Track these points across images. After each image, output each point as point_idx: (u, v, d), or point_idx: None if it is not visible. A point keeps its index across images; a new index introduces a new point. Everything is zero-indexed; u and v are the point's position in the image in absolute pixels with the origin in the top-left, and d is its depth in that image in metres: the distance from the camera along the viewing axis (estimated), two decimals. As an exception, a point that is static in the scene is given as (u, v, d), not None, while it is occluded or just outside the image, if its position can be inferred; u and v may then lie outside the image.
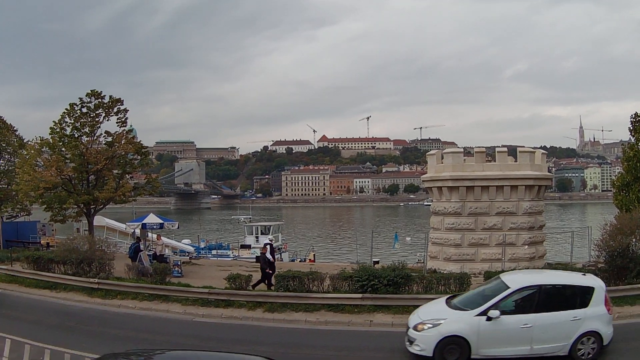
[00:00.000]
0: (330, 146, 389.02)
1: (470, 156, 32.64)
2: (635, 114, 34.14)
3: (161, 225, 35.13)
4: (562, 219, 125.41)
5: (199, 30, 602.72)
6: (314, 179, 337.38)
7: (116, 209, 54.11)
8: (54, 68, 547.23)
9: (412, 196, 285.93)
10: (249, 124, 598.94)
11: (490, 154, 33.78)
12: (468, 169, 29.06)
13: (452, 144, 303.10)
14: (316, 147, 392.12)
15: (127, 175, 40.84)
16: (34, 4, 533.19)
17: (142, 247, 32.00)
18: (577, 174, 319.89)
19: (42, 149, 38.95)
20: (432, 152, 32.16)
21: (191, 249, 52.69)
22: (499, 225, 27.98)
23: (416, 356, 14.95)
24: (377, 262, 33.32)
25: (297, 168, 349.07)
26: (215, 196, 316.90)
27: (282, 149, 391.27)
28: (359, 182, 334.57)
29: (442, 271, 25.63)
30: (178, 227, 40.35)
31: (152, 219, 34.87)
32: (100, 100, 38.11)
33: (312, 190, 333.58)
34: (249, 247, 52.56)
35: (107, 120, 38.91)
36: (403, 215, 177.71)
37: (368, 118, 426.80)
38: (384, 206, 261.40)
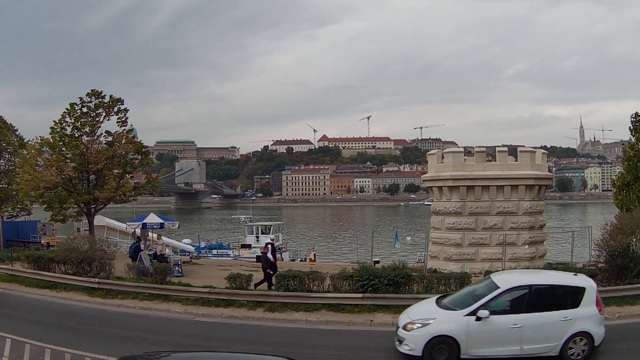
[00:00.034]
0: (330, 146, 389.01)
1: (471, 156, 32.63)
2: (635, 114, 34.13)
3: (161, 225, 35.12)
4: (563, 218, 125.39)
5: (199, 30, 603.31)
6: (314, 178, 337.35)
7: (116, 208, 54.13)
8: (54, 68, 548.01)
9: (412, 196, 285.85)
10: (249, 123, 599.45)
11: (490, 153, 33.81)
12: (468, 169, 29.04)
13: (453, 143, 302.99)
14: (316, 147, 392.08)
15: (127, 174, 40.82)
16: (34, 3, 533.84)
17: (142, 246, 32.02)
18: (577, 174, 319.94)
19: (43, 149, 38.95)
20: (432, 151, 32.14)
21: (191, 248, 52.68)
22: (499, 225, 27.97)
23: (406, 356, 14.95)
24: (378, 262, 33.33)
25: (297, 168, 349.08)
26: (216, 196, 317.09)
27: (282, 149, 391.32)
28: (360, 181, 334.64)
29: (442, 271, 25.63)
30: (178, 227, 40.34)
31: (152, 218, 34.85)
32: (100, 99, 38.11)
33: (313, 190, 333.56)
34: (249, 246, 52.50)
35: (108, 119, 38.95)
36: (403, 214, 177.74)
37: (368, 118, 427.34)
38: (385, 206, 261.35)
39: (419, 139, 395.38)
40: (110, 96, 38.64)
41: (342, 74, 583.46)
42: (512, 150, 31.51)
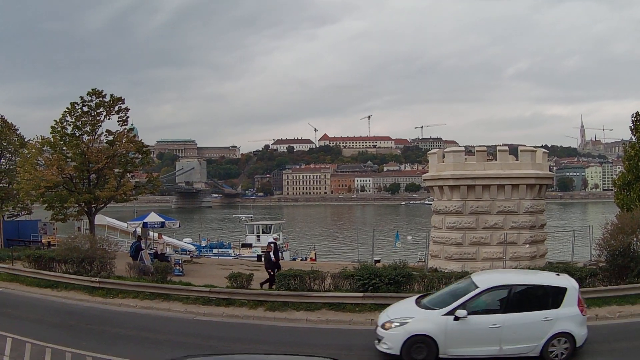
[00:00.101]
0: (331, 145, 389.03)
1: (472, 155, 32.61)
2: (636, 113, 34.11)
3: (162, 224, 35.11)
4: (564, 218, 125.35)
5: (200, 30, 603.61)
6: (315, 177, 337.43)
7: (117, 207, 54.04)
8: (55, 67, 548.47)
9: (414, 195, 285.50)
10: (250, 123, 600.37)
11: (491, 152, 33.74)
12: (469, 168, 29.01)
13: (454, 142, 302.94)
14: (317, 146, 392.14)
15: (128, 174, 40.80)
16: (35, 3, 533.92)
17: (143, 245, 32.00)
18: (578, 173, 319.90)
19: (43, 148, 38.91)
20: (433, 151, 32.09)
21: (192, 247, 52.70)
22: (500, 224, 27.93)
23: (385, 354, 14.96)
24: (379, 261, 33.31)
25: (298, 167, 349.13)
26: (217, 195, 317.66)
27: (283, 148, 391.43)
28: (360, 181, 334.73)
29: (443, 270, 25.65)
30: (179, 226, 40.31)
31: (153, 217, 34.86)
32: (101, 99, 38.09)
33: (313, 189, 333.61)
34: (250, 245, 52.61)
35: (108, 119, 38.93)
36: (404, 214, 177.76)
37: (369, 117, 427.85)
38: (385, 205, 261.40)
39: (420, 138, 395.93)
40: (111, 95, 38.65)
41: (342, 74, 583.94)
42: (513, 150, 31.51)
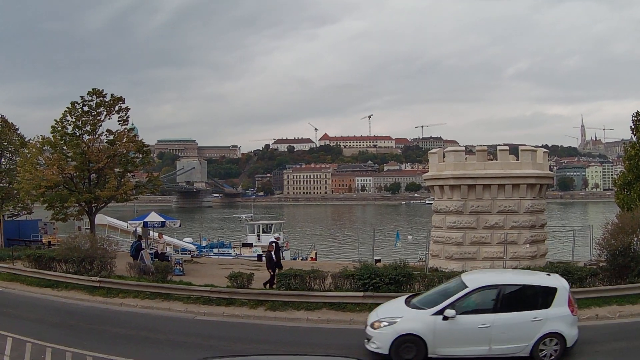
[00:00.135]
0: (331, 145, 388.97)
1: (472, 155, 32.64)
2: (636, 113, 34.13)
3: (163, 224, 35.13)
4: (564, 217, 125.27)
5: (200, 30, 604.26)
6: (315, 177, 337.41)
7: (118, 207, 54.02)
8: (55, 67, 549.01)
9: (416, 195, 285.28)
10: (250, 122, 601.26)
11: (491, 152, 33.78)
12: (470, 168, 29.01)
13: (454, 142, 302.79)
14: (318, 146, 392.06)
15: (128, 173, 40.75)
16: (35, 3, 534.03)
17: (143, 245, 31.99)
18: (578, 173, 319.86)
19: (44, 148, 38.90)
20: (433, 150, 32.10)
21: (193, 247, 52.59)
22: (500, 224, 27.94)
23: (375, 354, 14.97)
24: (379, 261, 33.26)
25: (298, 166, 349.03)
26: (217, 195, 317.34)
27: (283, 148, 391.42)
28: (361, 180, 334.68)
29: (443, 270, 25.63)
30: (180, 226, 40.33)
31: (153, 217, 34.87)
32: (101, 98, 38.06)
33: (314, 188, 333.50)
34: (250, 245, 52.57)
35: (109, 118, 38.90)
36: (405, 213, 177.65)
37: (369, 116, 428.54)
38: (386, 205, 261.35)
39: (420, 137, 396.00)
40: (111, 95, 38.64)
41: (342, 73, 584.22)
42: (514, 149, 31.49)
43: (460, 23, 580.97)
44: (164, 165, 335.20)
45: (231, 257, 46.92)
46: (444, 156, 30.36)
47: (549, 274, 16.51)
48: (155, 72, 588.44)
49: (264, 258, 38.32)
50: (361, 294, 20.93)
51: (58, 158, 36.36)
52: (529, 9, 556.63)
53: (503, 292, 14.86)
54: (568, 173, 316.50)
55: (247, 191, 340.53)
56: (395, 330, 14.66)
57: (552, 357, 14.34)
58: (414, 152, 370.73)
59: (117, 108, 38.75)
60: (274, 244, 27.11)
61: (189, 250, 49.46)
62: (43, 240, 46.04)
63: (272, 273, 25.16)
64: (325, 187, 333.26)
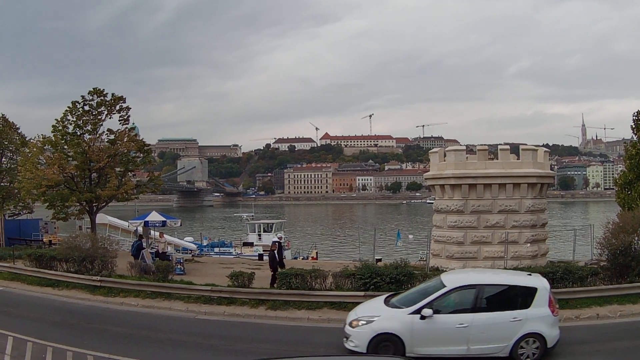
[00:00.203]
0: (332, 144, 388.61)
1: (473, 154, 32.58)
2: (637, 112, 34.10)
3: (164, 223, 35.15)
4: (565, 217, 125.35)
5: (200, 29, 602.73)
6: (316, 176, 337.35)
7: (118, 206, 54.01)
8: (56, 66, 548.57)
9: (417, 194, 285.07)
10: (251, 121, 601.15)
11: (492, 151, 33.69)
12: (470, 167, 28.99)
13: (455, 141, 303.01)
14: (319, 145, 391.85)
15: (129, 173, 40.72)
16: (35, 3, 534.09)
17: (144, 244, 32.07)
18: (579, 172, 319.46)
19: (45, 147, 38.95)
20: (434, 150, 32.09)
21: (194, 246, 52.58)
22: (501, 223, 27.92)
23: (353, 352, 14.98)
24: (380, 260, 33.23)
25: (299, 166, 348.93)
26: (218, 194, 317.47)
27: (284, 147, 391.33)
28: (362, 179, 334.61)
29: (444, 269, 25.60)
30: (180, 225, 40.34)
31: (154, 216, 34.90)
32: (102, 98, 38.07)
33: (315, 188, 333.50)
34: (251, 244, 52.58)
35: (110, 118, 38.90)
36: (405, 213, 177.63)
37: (370, 116, 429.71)
38: (387, 204, 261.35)
39: (421, 137, 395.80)
40: (112, 94, 38.65)
41: (343, 73, 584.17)
42: (514, 149, 31.42)
43: (461, 22, 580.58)
44: (165, 164, 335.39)
45: (232, 257, 46.89)
46: (444, 155, 30.35)
47: (530, 274, 16.52)
48: (156, 71, 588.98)
49: (265, 257, 38.55)
50: (362, 293, 20.90)
51: (59, 157, 36.37)
52: (530, 8, 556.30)
53: (482, 292, 14.88)
54: (569, 172, 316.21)
55: (248, 190, 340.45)
56: (373, 329, 14.72)
57: (533, 358, 14.29)
58: (415, 151, 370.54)
59: (118, 107, 38.75)
60: (276, 244, 27.18)
61: (190, 250, 49.42)
62: (44, 240, 46.12)
63: (273, 273, 25.20)
64: (326, 186, 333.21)
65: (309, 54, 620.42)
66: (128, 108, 39.25)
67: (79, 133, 38.14)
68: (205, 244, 55.32)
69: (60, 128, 37.96)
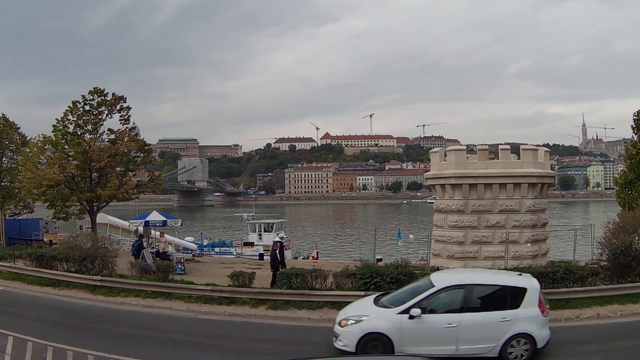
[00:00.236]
0: (333, 144, 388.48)
1: (474, 154, 32.54)
2: (638, 112, 34.11)
3: (164, 223, 35.15)
4: (565, 216, 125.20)
5: (200, 29, 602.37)
6: (317, 176, 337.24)
7: (119, 206, 54.03)
8: (56, 66, 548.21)
9: (418, 194, 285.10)
10: (252, 121, 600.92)
11: (493, 151, 33.67)
12: (471, 167, 28.97)
13: (455, 141, 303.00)
14: (319, 145, 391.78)
15: (130, 172, 40.76)
16: (35, 2, 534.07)
17: (145, 244, 32.05)
18: (580, 172, 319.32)
19: (45, 147, 39.00)
20: (435, 149, 32.08)
21: (194, 246, 52.57)
22: (502, 223, 27.91)
23: (343, 352, 15.04)
24: (380, 260, 33.24)
25: (300, 165, 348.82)
26: (218, 194, 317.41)
27: (285, 147, 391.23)
28: (362, 179, 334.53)
29: (445, 269, 25.60)
30: (181, 225, 40.31)
31: (155, 216, 34.89)
32: (103, 98, 38.12)
33: (315, 187, 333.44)
34: (252, 244, 52.60)
35: (110, 117, 38.97)
36: (406, 212, 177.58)
37: (371, 115, 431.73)
38: (387, 204, 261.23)
39: (422, 137, 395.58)
40: (113, 94, 38.71)
41: (344, 72, 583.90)
42: (515, 148, 31.36)
43: (461, 22, 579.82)
44: (166, 164, 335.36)
45: (233, 256, 46.94)
46: (445, 155, 30.35)
47: (520, 274, 16.47)
48: (156, 71, 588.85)
49: (265, 257, 38.56)
50: (362, 293, 20.84)
51: (59, 157, 36.41)
52: (530, 8, 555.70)
53: (471, 292, 14.88)
54: (569, 172, 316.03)
55: (249, 190, 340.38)
56: (362, 329, 14.77)
57: (522, 358, 14.27)
58: (416, 151, 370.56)
59: (118, 107, 38.82)
60: (278, 244, 27.21)
61: (191, 249, 49.42)
62: (44, 239, 46.07)
63: (273, 273, 25.20)
64: (327, 186, 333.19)
65: (309, 54, 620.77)
66: (128, 108, 39.39)
67: (79, 133, 38.18)
68: (205, 243, 55.34)
69: (60, 128, 38.01)
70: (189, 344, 17.11)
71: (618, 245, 22.12)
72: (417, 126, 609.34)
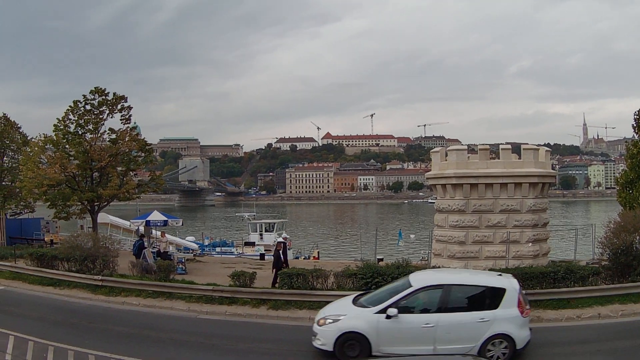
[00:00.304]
0: (334, 143, 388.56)
1: (474, 153, 32.49)
2: (639, 111, 34.06)
3: (165, 223, 35.20)
4: (566, 216, 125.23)
5: (201, 28, 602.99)
6: (318, 176, 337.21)
7: (120, 206, 54.13)
8: (56, 65, 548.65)
9: (420, 194, 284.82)
10: (252, 121, 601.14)
11: (494, 151, 33.63)
12: (472, 167, 28.92)
13: (456, 141, 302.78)
14: (320, 145, 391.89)
15: (131, 172, 40.79)
16: (36, 2, 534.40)
17: (146, 244, 32.05)
18: (580, 172, 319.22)
19: (46, 146, 39.02)
20: (436, 149, 32.02)
21: (195, 246, 52.70)
22: (502, 223, 27.86)
23: (322, 351, 15.12)
24: (381, 260, 33.25)
25: (301, 165, 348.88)
26: (219, 193, 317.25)
27: (286, 146, 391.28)
28: (363, 179, 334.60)
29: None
30: (182, 224, 40.36)
31: (156, 216, 34.95)
32: (104, 97, 38.14)
33: (316, 187, 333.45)
34: (253, 244, 52.61)
35: (111, 117, 38.99)
36: (407, 212, 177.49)
37: (372, 115, 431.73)
38: (388, 203, 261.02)
39: (423, 136, 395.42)
40: (114, 94, 38.75)
41: (344, 72, 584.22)
42: (516, 148, 31.31)
43: (461, 22, 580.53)
44: (167, 164, 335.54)
45: (234, 256, 46.94)
46: (446, 155, 30.30)
47: (500, 274, 16.43)
48: (157, 70, 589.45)
49: (266, 257, 38.60)
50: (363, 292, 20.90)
51: (60, 156, 36.45)
52: (530, 8, 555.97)
53: (448, 292, 14.89)
54: (570, 172, 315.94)
55: (250, 190, 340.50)
56: (339, 328, 14.81)
57: (501, 359, 14.23)
58: (417, 150, 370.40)
59: (119, 107, 38.84)
60: (282, 244, 27.24)
61: (192, 249, 49.54)
62: (45, 239, 46.14)
63: (275, 272, 25.20)
64: (328, 186, 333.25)
65: (309, 53, 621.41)
66: (129, 107, 39.41)
67: (80, 132, 38.22)
68: (206, 243, 55.43)
69: (62, 127, 38.05)
70: (190, 343, 17.11)
71: (619, 245, 22.09)
72: (418, 126, 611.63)
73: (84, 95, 37.88)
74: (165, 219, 35.33)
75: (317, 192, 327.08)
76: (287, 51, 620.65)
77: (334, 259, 49.15)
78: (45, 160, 38.57)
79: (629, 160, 34.29)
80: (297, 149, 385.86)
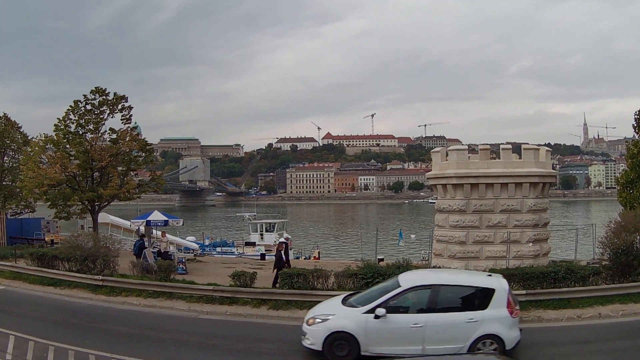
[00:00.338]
0: (334, 143, 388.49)
1: (475, 153, 32.48)
2: (639, 111, 34.04)
3: (166, 223, 35.20)
4: (567, 216, 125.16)
5: (201, 28, 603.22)
6: (318, 176, 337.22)
7: (120, 206, 54.17)
8: (56, 65, 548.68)
9: (421, 194, 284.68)
10: (253, 121, 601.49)
11: (494, 151, 33.64)
12: (472, 167, 28.92)
13: (457, 141, 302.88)
14: (321, 145, 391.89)
15: (131, 172, 40.77)
16: (36, 2, 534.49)
17: (146, 244, 32.04)
18: (581, 171, 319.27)
19: (47, 146, 39.01)
20: (436, 149, 32.01)
21: (196, 246, 52.72)
22: (503, 223, 27.86)
23: (311, 350, 15.17)
24: (382, 260, 33.24)
25: (301, 165, 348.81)
26: (220, 193, 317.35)
27: (286, 146, 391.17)
28: (364, 179, 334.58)
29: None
30: (182, 224, 40.36)
31: (156, 216, 34.95)
32: (104, 97, 38.11)
33: (317, 187, 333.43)
34: (253, 244, 52.57)
35: (112, 117, 38.95)
36: (408, 212, 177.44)
37: (372, 115, 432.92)
38: (389, 204, 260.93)
39: (423, 136, 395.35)
40: (114, 94, 38.72)
41: (345, 72, 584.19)
42: (516, 148, 31.31)
43: (462, 22, 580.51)
44: (167, 163, 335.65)
45: (234, 256, 46.95)
46: (446, 155, 30.29)
47: (490, 275, 16.43)
48: (157, 70, 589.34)
49: (267, 257, 38.59)
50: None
51: (61, 156, 36.45)
52: (531, 8, 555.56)
53: (437, 292, 14.89)
54: (571, 171, 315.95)
55: (250, 190, 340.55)
56: (327, 327, 14.85)
57: None
58: (417, 150, 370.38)
59: (120, 106, 38.80)
60: (284, 244, 27.27)
61: (192, 249, 49.54)
62: (46, 239, 46.08)
63: (276, 271, 25.20)
64: (328, 186, 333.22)
65: (310, 53, 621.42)
66: (130, 107, 39.36)
67: (81, 132, 38.20)
68: (207, 243, 55.45)
69: (62, 127, 38.02)
70: (190, 343, 17.11)
71: (619, 245, 22.09)
72: (419, 126, 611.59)
73: (85, 95, 37.88)
74: (166, 219, 35.34)
75: (317, 192, 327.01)
76: (288, 51, 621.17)
77: (334, 259, 49.11)
78: (46, 160, 38.55)
79: (629, 160, 34.24)
80: (298, 149, 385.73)
